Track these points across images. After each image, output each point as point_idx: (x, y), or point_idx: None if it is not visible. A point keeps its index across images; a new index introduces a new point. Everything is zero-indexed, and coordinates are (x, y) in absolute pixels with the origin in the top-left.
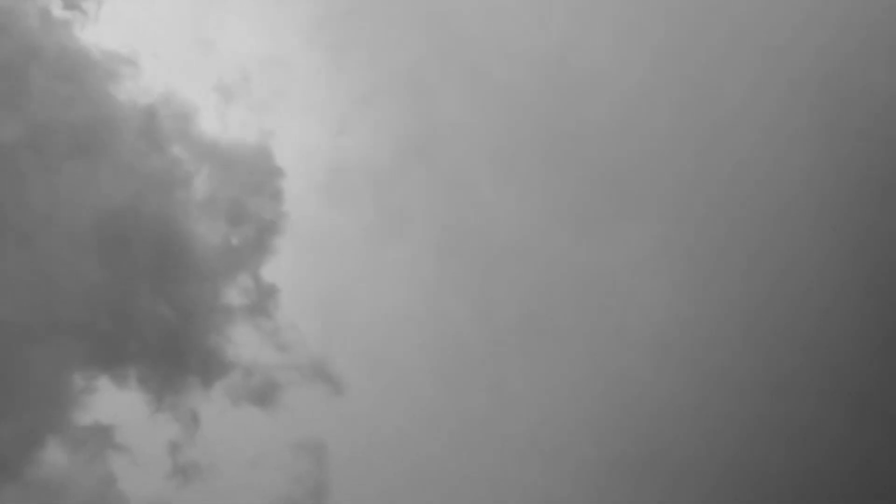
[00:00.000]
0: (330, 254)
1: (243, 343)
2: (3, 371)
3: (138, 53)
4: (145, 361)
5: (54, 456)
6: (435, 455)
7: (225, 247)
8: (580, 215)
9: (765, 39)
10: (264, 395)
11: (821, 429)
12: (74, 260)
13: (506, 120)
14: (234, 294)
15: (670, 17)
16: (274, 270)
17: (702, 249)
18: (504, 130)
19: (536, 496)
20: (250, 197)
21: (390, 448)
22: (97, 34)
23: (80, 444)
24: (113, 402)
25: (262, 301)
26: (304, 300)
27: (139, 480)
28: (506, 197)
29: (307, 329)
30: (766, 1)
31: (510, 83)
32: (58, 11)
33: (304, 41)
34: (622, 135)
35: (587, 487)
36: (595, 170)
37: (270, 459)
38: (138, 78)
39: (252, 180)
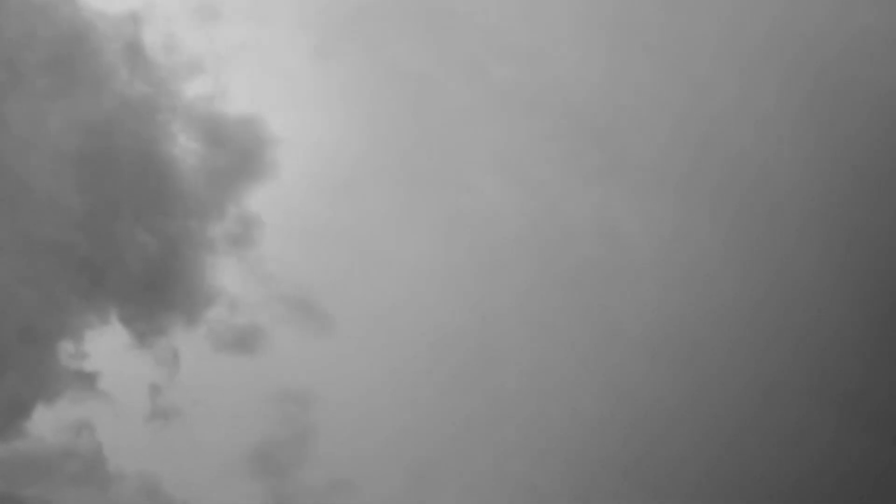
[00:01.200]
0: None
1: (227, 277)
2: None
3: None
4: (127, 292)
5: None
6: (426, 404)
7: (208, 172)
8: (578, 213)
9: (757, 34)
10: (248, 340)
11: (812, 430)
12: (51, 181)
13: (507, 113)
14: (218, 225)
15: (665, 14)
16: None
17: (694, 249)
18: (505, 124)
19: (528, 462)
20: (232, 121)
21: (377, 395)
22: None
23: (64, 387)
24: (94, 344)
25: (247, 230)
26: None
27: (118, 425)
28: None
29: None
30: None
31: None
32: None
33: None
34: (619, 132)
35: (580, 484)
36: (594, 168)
37: (253, 405)
38: None
39: (234, 103)
